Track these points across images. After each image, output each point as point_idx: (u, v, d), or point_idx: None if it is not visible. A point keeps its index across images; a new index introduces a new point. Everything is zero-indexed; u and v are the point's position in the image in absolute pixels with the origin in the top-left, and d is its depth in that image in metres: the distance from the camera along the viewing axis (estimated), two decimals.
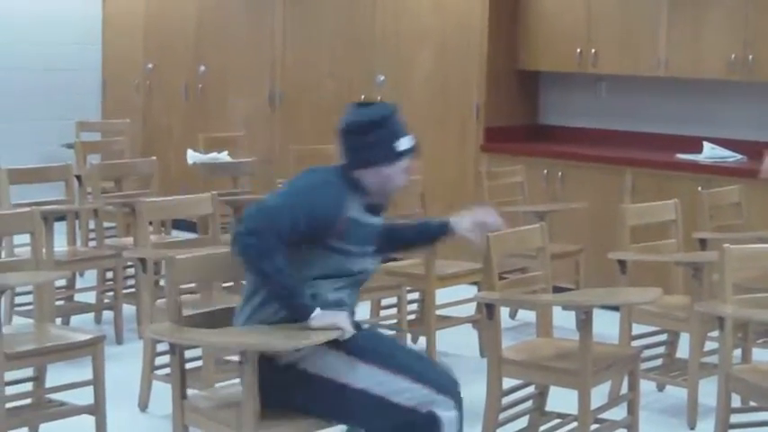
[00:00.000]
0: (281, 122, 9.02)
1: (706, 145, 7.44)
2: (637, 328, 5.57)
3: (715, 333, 4.88)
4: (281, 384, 3.84)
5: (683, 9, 7.46)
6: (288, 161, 7.66)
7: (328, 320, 3.73)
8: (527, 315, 6.65)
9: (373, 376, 3.80)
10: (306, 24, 8.85)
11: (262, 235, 3.72)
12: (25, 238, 4.99)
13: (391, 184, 3.95)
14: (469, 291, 6.02)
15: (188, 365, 4.13)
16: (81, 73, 9.97)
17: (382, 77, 8.40)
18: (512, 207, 6.71)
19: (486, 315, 4.51)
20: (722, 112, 7.72)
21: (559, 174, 7.60)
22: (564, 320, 6.03)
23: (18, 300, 6.36)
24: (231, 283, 5.24)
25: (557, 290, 5.19)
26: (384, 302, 6.16)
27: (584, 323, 4.32)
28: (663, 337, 5.79)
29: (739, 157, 7.35)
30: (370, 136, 3.90)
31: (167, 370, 4.48)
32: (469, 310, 6.22)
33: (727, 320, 4.41)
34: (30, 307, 6.01)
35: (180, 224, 7.45)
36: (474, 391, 4.44)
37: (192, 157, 7.76)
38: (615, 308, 5.64)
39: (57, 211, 6.24)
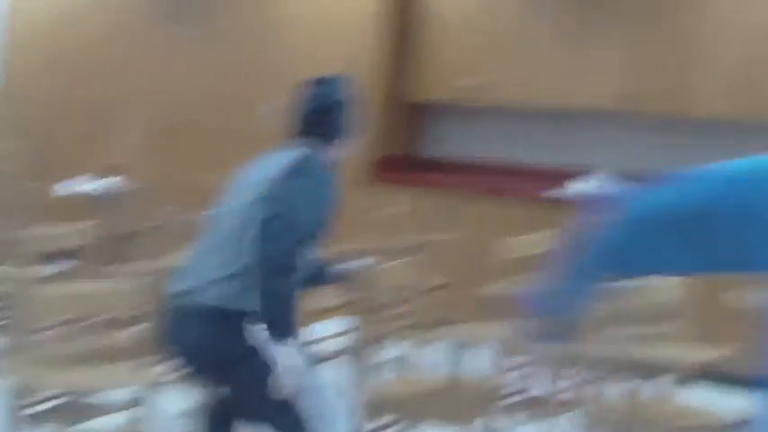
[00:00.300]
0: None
1: (592, 176, 7.51)
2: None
3: None
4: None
5: (571, 39, 7.57)
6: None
7: (290, 362, 3.82)
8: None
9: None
10: (186, 53, 8.83)
11: (291, 271, 3.85)
12: None
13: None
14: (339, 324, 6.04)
15: None
16: None
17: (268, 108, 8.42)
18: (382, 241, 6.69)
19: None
20: (611, 142, 7.84)
21: (444, 206, 7.67)
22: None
23: None
24: None
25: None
26: None
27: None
28: None
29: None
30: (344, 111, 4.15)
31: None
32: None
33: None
34: None
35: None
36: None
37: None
38: None
39: None
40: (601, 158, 7.74)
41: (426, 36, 8.10)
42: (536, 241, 5.93)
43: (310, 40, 8.25)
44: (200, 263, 3.99)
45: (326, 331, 6.11)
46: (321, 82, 4.21)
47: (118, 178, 7.91)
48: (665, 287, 4.76)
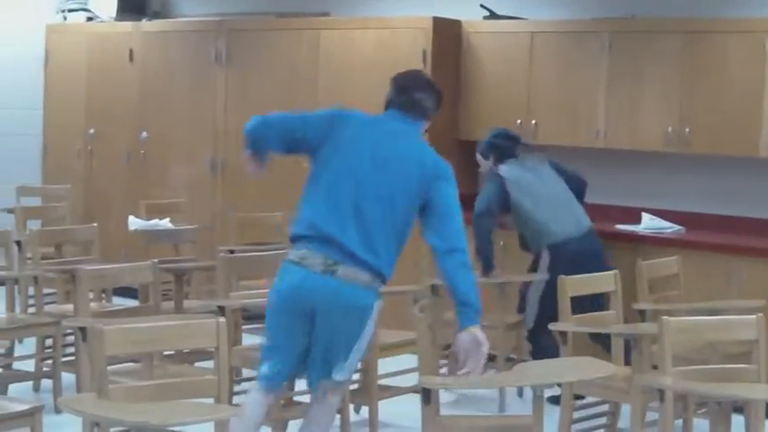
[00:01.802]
0: (222, 189, 9.01)
1: (645, 216, 7.54)
2: None
3: (656, 403, 4.91)
4: None
5: (621, 82, 7.60)
6: (229, 228, 7.65)
7: None
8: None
9: None
10: (246, 91, 8.88)
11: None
12: None
13: None
14: (411, 360, 6.01)
15: None
16: (22, 137, 9.92)
17: None
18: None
19: (423, 399, 4.49)
20: (660, 183, 7.84)
21: (501, 243, 7.65)
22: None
23: None
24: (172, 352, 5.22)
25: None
26: None
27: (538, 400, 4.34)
28: (604, 407, 5.81)
29: (677, 227, 7.46)
30: None
31: None
32: (412, 379, 6.20)
33: (668, 392, 4.45)
34: None
35: (121, 291, 7.39)
36: None
37: (134, 223, 7.73)
38: None
39: None
40: (651, 199, 7.73)
41: (476, 75, 8.12)
42: (599, 280, 5.90)
43: (363, 77, 8.26)
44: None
45: (399, 366, 6.11)
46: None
47: (167, 218, 7.92)
48: (746, 324, 4.70)
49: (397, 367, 6.13)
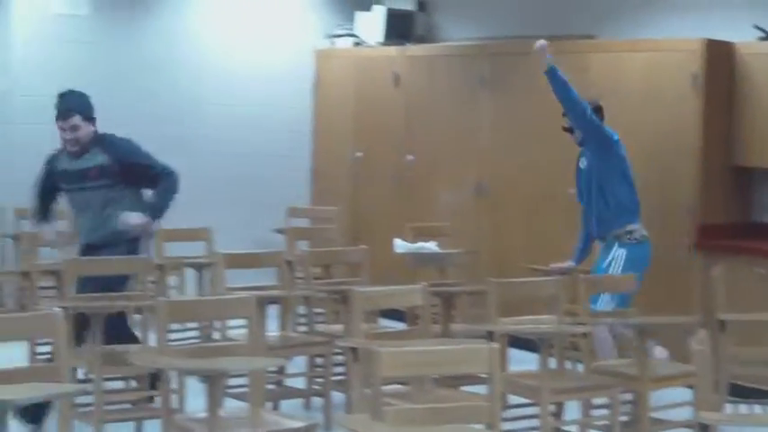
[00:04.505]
0: (487, 214, 9.01)
1: None
2: None
3: None
4: None
5: None
6: (494, 253, 7.63)
7: None
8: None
9: None
10: (511, 114, 8.87)
11: None
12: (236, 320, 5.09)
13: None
14: (685, 393, 5.85)
15: None
16: (292, 160, 10.23)
17: None
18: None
19: None
20: None
21: None
22: None
23: (229, 381, 6.47)
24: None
25: None
26: (595, 402, 6.03)
27: None
28: None
29: None
30: None
31: None
32: (686, 413, 6.02)
33: None
34: (241, 389, 6.14)
35: (385, 312, 7.49)
36: None
37: (400, 246, 7.81)
38: None
39: (271, 296, 6.36)
40: None
41: (751, 98, 7.84)
42: None
43: (630, 100, 8.11)
44: None
45: (672, 399, 5.98)
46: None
47: (433, 242, 7.96)
48: None
49: (670, 400, 5.97)
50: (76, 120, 6.32)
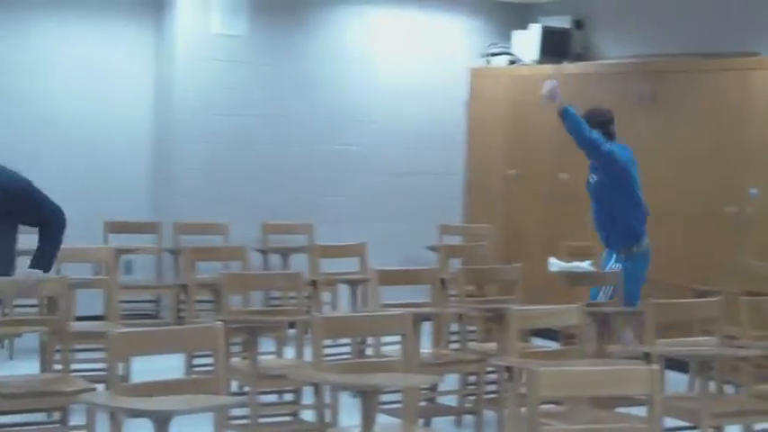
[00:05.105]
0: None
1: None
2: None
3: None
4: None
5: None
6: (649, 273, 7.50)
7: None
8: None
9: None
10: (672, 133, 8.72)
11: None
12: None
13: None
14: None
15: None
16: (445, 177, 10.24)
17: (755, 190, 8.10)
18: None
19: None
20: None
21: None
22: None
23: (381, 397, 6.48)
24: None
25: None
26: (756, 427, 5.85)
27: None
28: None
29: None
30: None
31: None
32: None
33: None
34: (393, 405, 6.14)
35: (536, 331, 7.42)
36: None
37: (555, 265, 7.73)
38: None
39: (425, 314, 6.36)
40: None
41: None
42: None
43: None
44: None
45: None
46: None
47: (588, 261, 7.86)
48: None
49: None
50: None
